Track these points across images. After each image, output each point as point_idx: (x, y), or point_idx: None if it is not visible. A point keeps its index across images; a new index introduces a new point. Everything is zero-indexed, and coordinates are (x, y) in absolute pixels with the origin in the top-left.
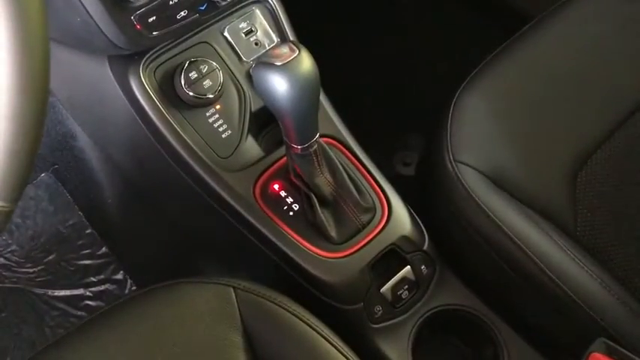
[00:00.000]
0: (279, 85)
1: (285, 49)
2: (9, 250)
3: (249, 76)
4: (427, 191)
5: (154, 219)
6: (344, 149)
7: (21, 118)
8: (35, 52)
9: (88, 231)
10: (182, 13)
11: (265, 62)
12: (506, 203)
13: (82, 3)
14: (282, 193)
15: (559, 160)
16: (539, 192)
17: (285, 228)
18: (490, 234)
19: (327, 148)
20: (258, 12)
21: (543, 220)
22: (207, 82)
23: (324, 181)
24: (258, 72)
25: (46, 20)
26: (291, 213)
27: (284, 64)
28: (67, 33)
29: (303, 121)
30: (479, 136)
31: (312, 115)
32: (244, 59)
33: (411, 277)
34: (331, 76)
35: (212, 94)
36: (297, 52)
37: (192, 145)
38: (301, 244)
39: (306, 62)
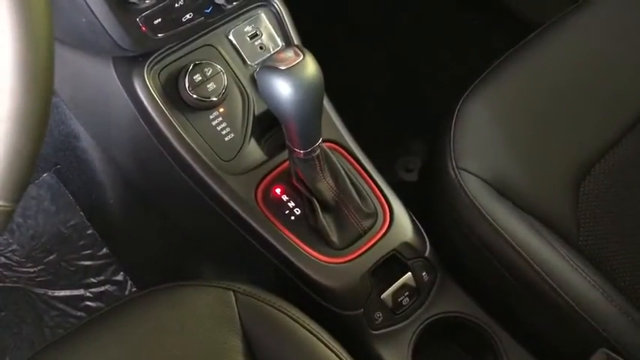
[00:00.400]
0: (283, 89)
1: (289, 54)
2: (10, 249)
3: (253, 80)
4: (429, 198)
5: (156, 221)
6: (346, 154)
7: (24, 118)
8: (40, 52)
9: (89, 232)
10: (187, 16)
11: (270, 66)
12: (508, 211)
13: (87, 3)
14: (284, 197)
15: (562, 169)
16: (541, 200)
17: (287, 232)
18: (492, 242)
19: (329, 153)
20: (263, 16)
21: (545, 229)
22: (211, 85)
23: (326, 186)
24: (262, 76)
25: (52, 20)
26: (292, 217)
27: (288, 68)
28: (71, 33)
29: (307, 125)
30: (482, 143)
31: (315, 120)
32: (249, 63)
33: (412, 283)
34: (334, 81)
35: (216, 97)
36: (302, 56)
37: (195, 148)
38: (302, 248)
39: (310, 67)
